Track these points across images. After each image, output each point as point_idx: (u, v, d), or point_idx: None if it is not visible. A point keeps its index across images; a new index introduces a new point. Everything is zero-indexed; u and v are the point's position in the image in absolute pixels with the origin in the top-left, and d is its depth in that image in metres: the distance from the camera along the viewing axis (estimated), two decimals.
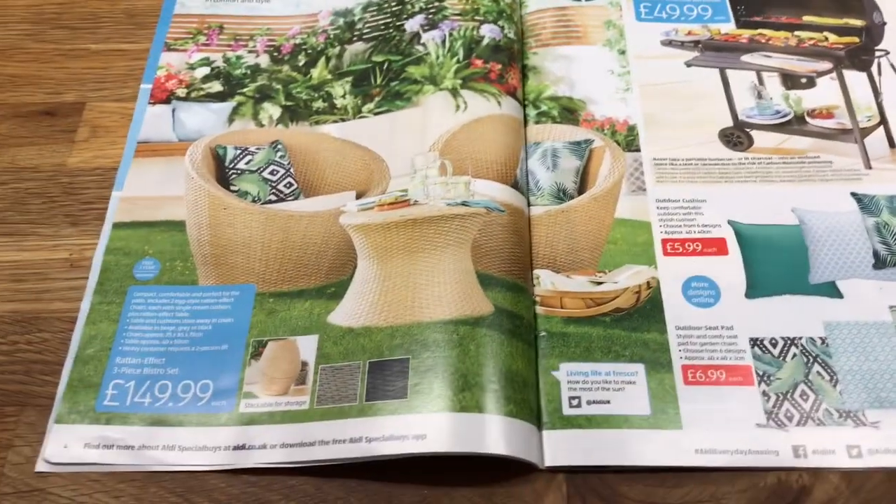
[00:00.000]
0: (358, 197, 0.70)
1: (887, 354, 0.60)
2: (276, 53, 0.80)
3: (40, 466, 0.57)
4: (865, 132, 0.72)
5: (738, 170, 0.70)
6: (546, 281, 0.65)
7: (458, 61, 0.74)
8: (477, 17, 0.77)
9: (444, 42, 0.76)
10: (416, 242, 0.64)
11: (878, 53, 0.76)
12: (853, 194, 0.68)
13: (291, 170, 0.72)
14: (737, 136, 0.72)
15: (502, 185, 0.67)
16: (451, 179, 0.67)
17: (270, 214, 0.69)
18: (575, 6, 0.81)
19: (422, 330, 0.60)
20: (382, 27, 0.79)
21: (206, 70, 0.79)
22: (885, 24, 0.79)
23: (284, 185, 0.71)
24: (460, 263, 0.63)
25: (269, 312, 0.64)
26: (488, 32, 0.76)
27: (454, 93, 0.72)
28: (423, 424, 0.56)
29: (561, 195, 0.69)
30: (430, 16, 0.78)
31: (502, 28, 0.76)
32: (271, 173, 0.72)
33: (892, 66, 0.76)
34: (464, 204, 0.65)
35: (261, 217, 0.69)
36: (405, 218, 0.65)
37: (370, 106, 0.74)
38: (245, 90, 0.77)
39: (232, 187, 0.71)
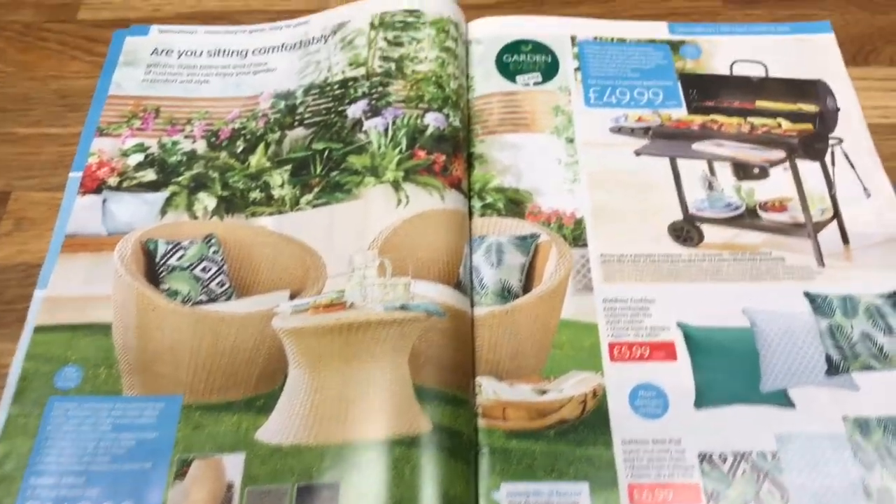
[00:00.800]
0: (292, 297, 0.67)
1: (840, 468, 0.59)
2: (213, 139, 0.78)
3: None
4: (819, 227, 0.71)
5: (689, 267, 0.69)
6: (488, 390, 0.62)
7: (400, 152, 0.72)
8: (421, 105, 0.75)
9: (386, 131, 0.74)
10: (351, 350, 0.62)
11: (831, 141, 0.76)
12: (806, 294, 0.67)
13: (224, 266, 0.70)
14: (687, 230, 0.71)
15: (444, 285, 0.66)
16: (390, 281, 0.65)
17: (200, 317, 0.66)
18: (523, 91, 0.80)
19: (354, 451, 0.58)
20: (324, 112, 0.77)
21: (139, 157, 0.76)
22: (838, 110, 0.78)
23: (217, 284, 0.69)
24: (397, 374, 0.61)
25: (196, 427, 0.61)
26: (433, 121, 0.74)
27: (396, 186, 0.70)
28: None
29: (506, 294, 0.67)
30: (374, 102, 0.76)
31: (447, 116, 0.75)
32: (203, 270, 0.69)
33: (845, 155, 0.75)
34: (402, 307, 0.63)
35: (191, 319, 0.66)
36: (340, 322, 0.63)
37: (308, 197, 0.72)
38: (180, 179, 0.75)
39: (162, 285, 0.68)
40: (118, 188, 0.74)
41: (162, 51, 0.85)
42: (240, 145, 0.77)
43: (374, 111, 0.76)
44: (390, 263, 0.66)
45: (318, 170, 0.73)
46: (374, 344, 0.62)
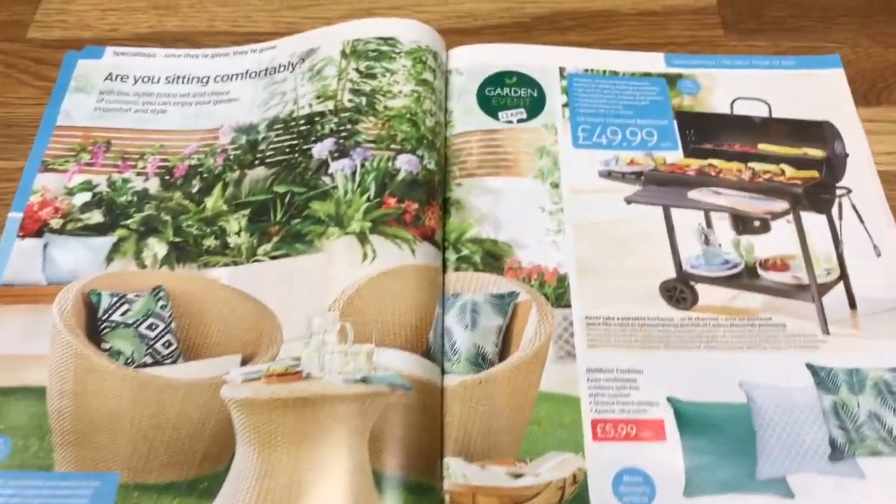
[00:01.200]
0: (244, 362, 0.62)
1: None
2: (167, 177, 0.72)
3: None
4: (824, 289, 0.66)
5: (681, 333, 0.63)
6: (457, 472, 0.57)
7: (368, 199, 0.67)
8: (393, 146, 0.69)
9: (354, 174, 0.68)
10: (305, 428, 0.56)
11: (839, 191, 0.70)
12: (809, 366, 0.61)
13: (172, 325, 0.64)
14: (680, 290, 0.65)
15: (412, 353, 0.60)
16: (351, 348, 0.59)
17: (144, 381, 0.60)
18: (505, 129, 0.74)
19: None
20: (288, 150, 0.71)
21: (86, 196, 0.70)
22: (847, 155, 0.73)
23: (163, 345, 0.63)
24: (355, 459, 0.55)
25: None
26: (405, 164, 0.68)
27: (362, 238, 0.65)
28: None
29: (480, 361, 0.62)
30: (341, 141, 0.70)
31: (422, 158, 0.69)
32: (149, 328, 0.63)
33: (853, 207, 0.69)
34: (364, 380, 0.58)
35: (133, 384, 0.60)
36: (294, 395, 0.57)
37: (267, 247, 0.66)
38: (129, 222, 0.69)
39: (103, 344, 0.63)
40: (61, 231, 0.68)
41: (117, 76, 0.79)
42: (195, 185, 0.71)
43: (341, 151, 0.70)
44: (352, 328, 0.60)
45: (279, 216, 0.67)
46: (331, 422, 0.56)
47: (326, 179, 0.68)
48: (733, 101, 0.76)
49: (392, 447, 0.56)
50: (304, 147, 0.71)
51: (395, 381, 0.58)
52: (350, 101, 0.73)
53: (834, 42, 0.82)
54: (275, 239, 0.66)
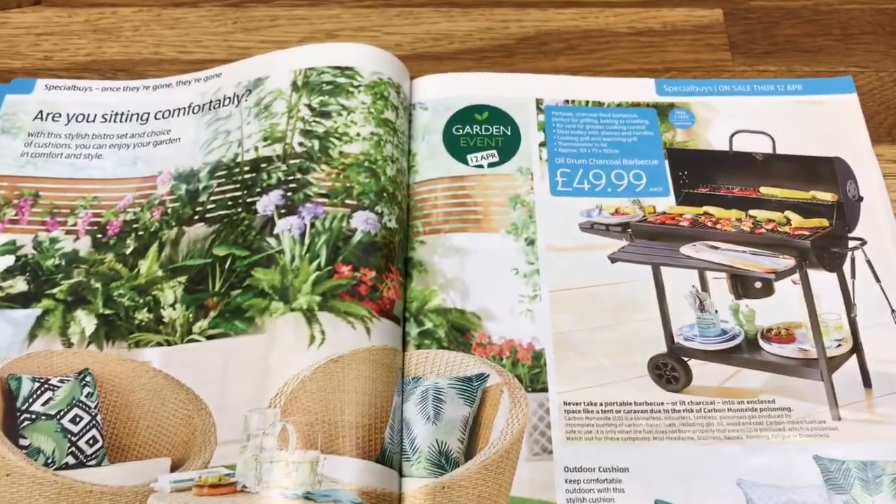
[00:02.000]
0: (174, 467, 0.52)
1: None
2: (100, 235, 0.62)
3: None
4: (834, 364, 0.56)
5: (671, 421, 0.53)
6: None
7: (318, 267, 0.56)
8: (348, 201, 0.59)
9: (303, 236, 0.58)
10: None
11: (851, 244, 0.60)
12: (817, 459, 0.52)
13: (98, 417, 0.55)
14: (671, 368, 0.55)
15: (364, 461, 0.50)
16: (293, 456, 0.50)
17: (65, 487, 0.51)
18: (475, 174, 0.63)
19: None
20: (230, 203, 0.61)
21: (9, 260, 0.61)
22: (861, 199, 0.62)
23: (87, 442, 0.54)
24: None
25: None
26: (362, 224, 0.58)
27: (309, 316, 0.55)
28: None
29: (443, 462, 0.52)
30: (289, 194, 0.60)
31: (381, 215, 0.59)
32: (73, 421, 0.54)
33: (868, 263, 0.59)
34: (307, 497, 0.48)
35: (52, 491, 0.51)
36: None
37: (203, 324, 0.56)
38: (55, 291, 0.59)
39: (22, 440, 0.53)
40: None
41: (48, 115, 0.68)
42: (129, 244, 0.61)
43: (288, 207, 0.59)
44: (295, 430, 0.50)
45: (217, 285, 0.57)
46: None
47: (272, 241, 0.58)
48: (732, 135, 0.65)
49: None
50: (249, 200, 0.60)
51: (343, 497, 0.48)
52: (300, 144, 0.62)
53: (856, 66, 0.69)
54: (212, 314, 0.56)
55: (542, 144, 0.65)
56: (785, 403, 0.54)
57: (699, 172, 0.64)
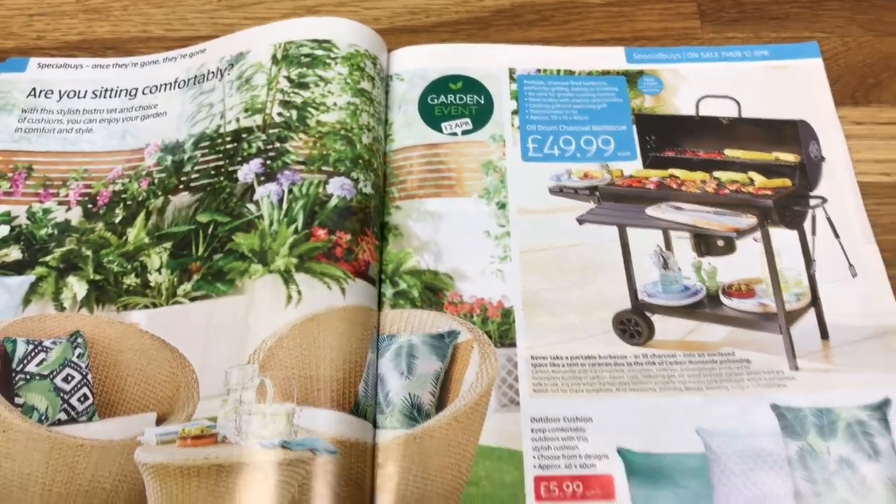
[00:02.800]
0: (160, 420, 0.54)
1: None
2: (90, 205, 0.63)
3: None
4: (793, 317, 0.56)
5: (634, 373, 0.54)
6: None
7: (295, 231, 0.57)
8: (325, 168, 0.60)
9: (281, 202, 0.59)
10: (220, 500, 0.48)
11: (813, 202, 0.60)
12: (774, 408, 0.53)
13: (89, 376, 0.56)
14: (634, 323, 0.56)
15: (338, 412, 0.51)
16: (270, 408, 0.51)
17: (57, 442, 0.53)
18: (449, 142, 0.64)
19: None
20: (213, 172, 0.62)
21: (4, 230, 0.62)
22: (823, 160, 0.62)
23: (79, 399, 0.55)
24: None
25: None
26: (337, 190, 0.59)
27: (287, 277, 0.56)
28: None
29: (415, 413, 0.53)
30: (269, 161, 0.61)
31: (356, 181, 0.59)
32: (65, 380, 0.56)
33: (829, 220, 0.59)
34: (284, 445, 0.49)
35: (45, 445, 0.52)
36: (208, 462, 0.49)
37: (187, 287, 0.57)
38: (48, 258, 0.60)
39: (17, 399, 0.55)
40: None
41: (41, 92, 0.69)
42: (118, 214, 0.62)
43: (267, 175, 0.60)
44: (272, 385, 0.52)
45: (201, 250, 0.59)
46: (246, 492, 0.48)
47: (251, 207, 0.59)
48: (699, 101, 0.65)
49: None
50: (230, 169, 0.61)
51: (318, 446, 0.50)
52: (279, 115, 0.63)
53: (822, 31, 0.69)
54: (195, 277, 0.57)
55: (514, 112, 0.65)
56: (744, 356, 0.55)
57: (666, 137, 0.64)
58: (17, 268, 0.60)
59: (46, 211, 0.63)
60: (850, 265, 0.58)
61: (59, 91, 0.69)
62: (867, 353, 0.55)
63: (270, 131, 0.62)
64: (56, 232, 0.62)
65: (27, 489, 0.51)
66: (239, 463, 0.49)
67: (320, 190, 0.59)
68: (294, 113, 0.63)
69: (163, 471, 0.50)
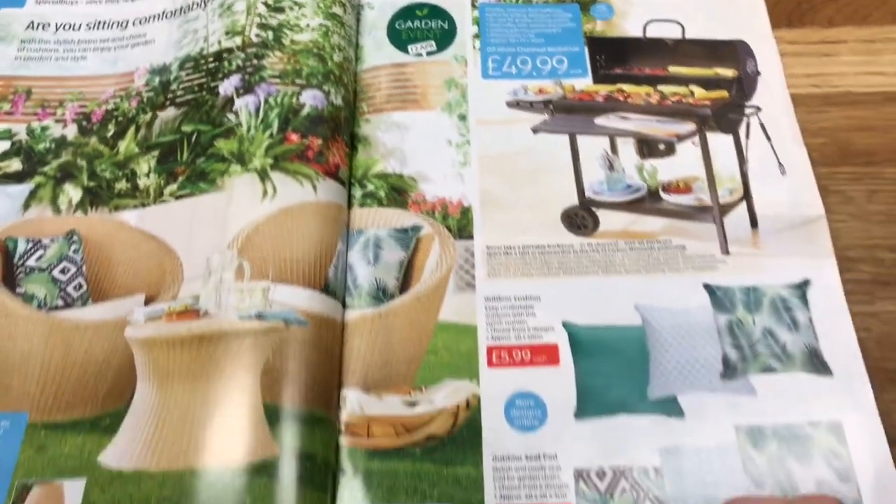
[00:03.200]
0: (147, 302, 0.59)
1: (729, 484, 0.51)
2: (85, 122, 0.68)
3: None
4: (726, 209, 0.61)
5: (579, 259, 0.59)
6: (353, 404, 0.54)
7: (271, 135, 0.62)
8: (298, 81, 0.65)
9: (258, 111, 0.64)
10: (200, 365, 0.53)
11: (747, 110, 0.65)
12: (706, 286, 0.58)
13: (83, 267, 0.61)
14: (581, 217, 0.61)
15: (309, 290, 0.57)
16: (247, 286, 0.56)
17: (55, 324, 0.58)
18: (415, 62, 0.69)
19: (194, 480, 0.50)
20: (196, 89, 0.67)
21: (6, 145, 0.67)
22: (759, 74, 0.67)
23: (74, 287, 0.60)
24: (246, 394, 0.52)
25: (39, 448, 0.53)
26: (310, 100, 0.64)
27: (263, 175, 0.61)
28: None
29: (380, 295, 0.58)
30: (247, 76, 0.66)
31: (327, 94, 0.65)
32: (62, 272, 0.61)
33: (762, 126, 0.64)
34: (259, 316, 0.55)
35: (44, 327, 0.58)
36: (191, 333, 0.54)
37: (173, 188, 0.62)
38: (46, 168, 0.65)
39: (18, 289, 0.60)
40: None
41: (38, 24, 0.74)
42: (111, 129, 0.67)
43: (246, 88, 0.65)
44: (249, 266, 0.57)
45: (185, 156, 0.64)
46: (226, 358, 0.53)
47: (231, 117, 0.64)
48: (646, 24, 0.70)
49: (288, 381, 0.53)
50: (212, 84, 0.66)
51: (290, 317, 0.55)
52: (257, 35, 0.68)
53: None
54: (180, 178, 0.62)
55: (475, 36, 0.70)
56: (680, 243, 0.60)
57: (615, 56, 0.69)
58: (18, 177, 0.65)
59: (44, 128, 0.68)
60: (780, 164, 0.63)
61: (56, 24, 0.74)
62: (791, 240, 0.60)
63: (249, 50, 0.67)
64: (53, 146, 0.67)
65: (27, 363, 0.56)
66: (219, 332, 0.54)
67: (294, 100, 0.64)
68: (270, 34, 0.68)
69: (150, 343, 0.55)
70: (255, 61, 0.66)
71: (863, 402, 0.53)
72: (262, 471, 0.50)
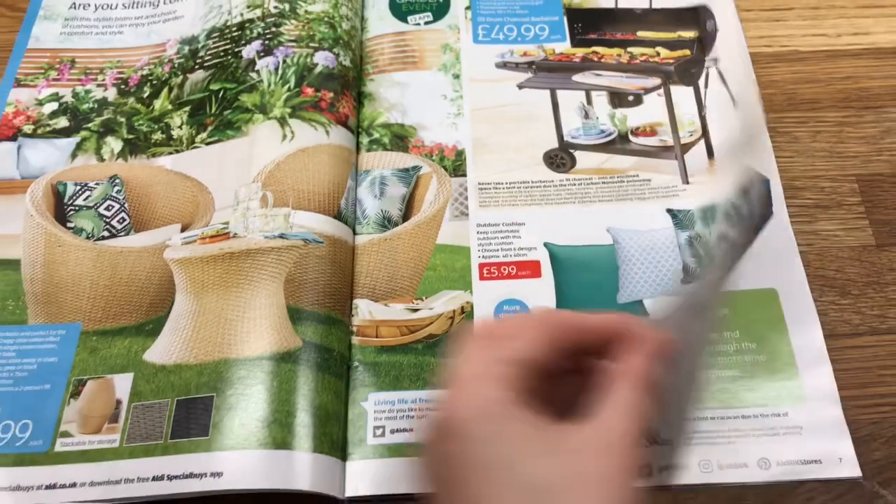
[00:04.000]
0: (183, 229, 0.67)
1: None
2: (123, 86, 0.77)
3: None
4: (686, 148, 0.70)
5: (559, 192, 0.68)
6: (364, 311, 0.63)
7: (288, 89, 0.72)
8: (312, 44, 0.74)
9: (277, 69, 0.73)
10: (231, 277, 0.62)
11: (707, 63, 0.74)
12: (668, 211, 0.67)
13: (126, 204, 0.70)
14: (560, 157, 0.70)
15: (324, 216, 0.65)
16: (270, 211, 0.65)
17: (102, 251, 0.67)
18: (413, 31, 0.78)
19: (228, 367, 0.58)
20: (222, 54, 0.76)
21: (54, 105, 0.76)
22: (717, 31, 0.77)
23: (118, 221, 0.69)
24: (272, 298, 0.61)
25: (91, 351, 0.62)
26: (322, 60, 0.73)
27: (282, 122, 0.70)
28: (221, 462, 0.54)
29: (386, 223, 0.67)
30: (267, 41, 0.75)
31: (337, 56, 0.74)
32: (107, 209, 0.69)
33: (719, 73, 0.74)
34: (281, 236, 0.63)
35: (92, 254, 0.66)
36: (223, 251, 0.63)
37: (203, 136, 0.71)
38: (90, 125, 0.74)
39: (69, 224, 0.69)
40: (33, 135, 0.74)
41: (80, 4, 0.84)
42: (146, 90, 0.76)
43: (266, 51, 0.75)
44: (272, 196, 0.66)
45: (213, 109, 0.73)
46: (253, 270, 0.62)
47: (253, 75, 0.74)
48: None
49: (308, 288, 0.62)
50: (236, 50, 0.76)
51: (308, 236, 0.64)
52: (275, 7, 0.78)
53: None
54: (210, 128, 0.72)
55: (467, 8, 0.80)
56: (646, 176, 0.69)
57: (590, 24, 0.79)
58: (65, 132, 0.74)
59: (87, 91, 0.77)
60: (733, 98, 0.72)
61: (95, 4, 0.84)
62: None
63: (268, 20, 0.77)
64: (96, 106, 0.76)
65: (79, 284, 0.65)
66: (247, 249, 0.63)
67: (308, 60, 0.73)
68: (287, 5, 0.77)
69: (187, 262, 0.64)
70: (273, 29, 0.76)
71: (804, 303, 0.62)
72: (287, 358, 0.58)
